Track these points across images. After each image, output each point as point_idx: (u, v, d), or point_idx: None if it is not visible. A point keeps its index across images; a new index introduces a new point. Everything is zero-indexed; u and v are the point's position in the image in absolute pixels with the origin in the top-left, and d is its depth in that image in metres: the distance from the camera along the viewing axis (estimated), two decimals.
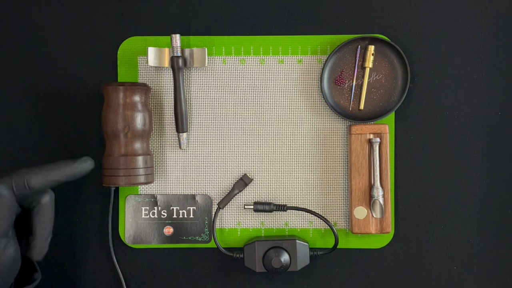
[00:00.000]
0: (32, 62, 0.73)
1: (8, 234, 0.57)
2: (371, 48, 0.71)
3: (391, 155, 0.72)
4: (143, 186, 0.73)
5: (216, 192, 0.73)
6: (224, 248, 0.73)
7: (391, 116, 0.73)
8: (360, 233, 0.71)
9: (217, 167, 0.73)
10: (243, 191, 0.73)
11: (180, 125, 0.71)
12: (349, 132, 0.71)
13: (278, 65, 0.73)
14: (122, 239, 0.73)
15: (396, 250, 0.73)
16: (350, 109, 0.72)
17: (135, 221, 0.73)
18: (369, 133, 0.71)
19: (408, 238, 0.73)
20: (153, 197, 0.73)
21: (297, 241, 0.70)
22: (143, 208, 0.73)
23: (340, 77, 0.72)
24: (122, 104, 0.67)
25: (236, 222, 0.73)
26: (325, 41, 0.72)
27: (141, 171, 0.67)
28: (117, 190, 0.73)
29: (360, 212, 0.71)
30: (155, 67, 0.73)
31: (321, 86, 0.71)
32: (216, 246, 0.72)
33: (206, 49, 0.71)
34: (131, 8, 0.73)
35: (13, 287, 0.62)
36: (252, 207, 0.72)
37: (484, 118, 0.73)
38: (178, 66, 0.70)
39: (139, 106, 0.68)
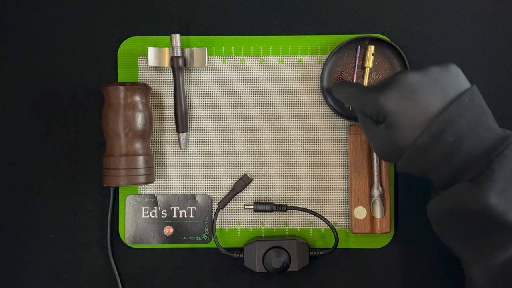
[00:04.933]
0: (32, 62, 0.73)
1: None
2: (371, 48, 0.71)
3: None
4: (143, 186, 0.73)
5: (216, 192, 0.73)
6: (224, 248, 0.73)
7: None
8: (360, 233, 0.71)
9: (217, 167, 0.73)
10: (243, 191, 0.73)
11: (180, 125, 0.71)
12: (349, 132, 0.71)
13: (278, 65, 0.73)
14: (122, 239, 0.73)
15: (396, 250, 0.73)
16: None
17: (135, 221, 0.73)
18: None
19: (408, 238, 0.73)
20: (153, 197, 0.73)
21: (297, 241, 0.70)
22: (143, 208, 0.73)
23: (340, 77, 0.72)
24: (122, 104, 0.67)
25: (236, 222, 0.73)
26: (325, 41, 0.72)
27: (142, 171, 0.67)
28: (117, 190, 0.73)
29: (360, 212, 0.71)
30: (155, 67, 0.73)
31: (321, 86, 0.71)
32: (216, 246, 0.72)
33: (206, 49, 0.71)
34: (131, 8, 0.73)
35: None
36: (252, 207, 0.72)
37: None
38: (178, 66, 0.70)
39: (140, 106, 0.68)
